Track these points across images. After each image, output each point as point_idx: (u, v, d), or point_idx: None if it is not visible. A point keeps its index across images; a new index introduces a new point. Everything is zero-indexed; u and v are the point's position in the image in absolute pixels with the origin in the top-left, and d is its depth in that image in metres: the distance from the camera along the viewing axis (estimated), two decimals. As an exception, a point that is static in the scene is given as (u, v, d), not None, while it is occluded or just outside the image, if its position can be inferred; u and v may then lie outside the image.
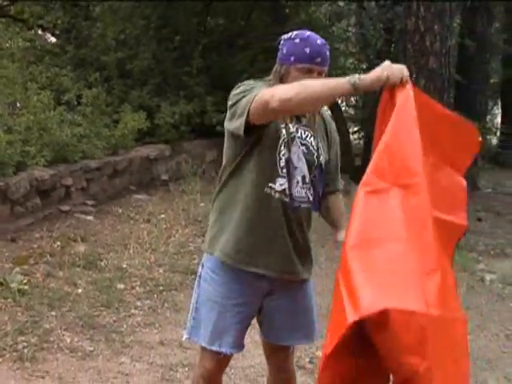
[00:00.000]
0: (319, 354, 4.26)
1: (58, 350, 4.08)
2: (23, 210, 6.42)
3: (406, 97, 2.23)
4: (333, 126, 2.82)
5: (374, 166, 2.18)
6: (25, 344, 4.07)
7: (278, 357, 2.85)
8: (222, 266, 2.65)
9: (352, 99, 15.20)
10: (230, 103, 2.55)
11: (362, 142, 13.74)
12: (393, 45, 11.81)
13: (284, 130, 2.57)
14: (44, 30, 12.73)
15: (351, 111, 15.11)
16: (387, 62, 2.27)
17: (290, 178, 2.57)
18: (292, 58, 2.54)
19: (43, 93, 7.77)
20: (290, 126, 2.60)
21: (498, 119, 17.54)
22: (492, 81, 15.79)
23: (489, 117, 16.66)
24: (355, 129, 14.07)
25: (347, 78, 2.26)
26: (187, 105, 9.89)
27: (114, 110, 9.24)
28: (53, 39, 12.72)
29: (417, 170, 2.16)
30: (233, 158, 2.62)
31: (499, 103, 17.76)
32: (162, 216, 7.44)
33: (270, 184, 2.57)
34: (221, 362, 2.72)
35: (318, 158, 2.65)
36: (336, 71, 13.14)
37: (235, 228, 2.60)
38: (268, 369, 2.98)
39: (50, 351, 4.06)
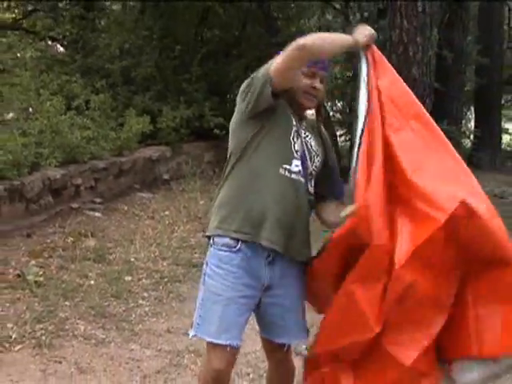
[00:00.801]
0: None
1: (73, 338, 4.08)
2: (37, 207, 6.40)
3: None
4: (326, 134, 2.81)
5: (386, 110, 2.47)
6: (42, 332, 4.06)
7: (277, 353, 2.73)
8: (230, 253, 2.53)
9: (339, 104, 15.24)
10: (241, 95, 2.59)
11: (348, 144, 13.73)
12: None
13: (294, 121, 2.62)
14: (54, 40, 12.70)
15: (338, 116, 15.10)
16: (364, 26, 2.59)
17: (304, 160, 2.60)
18: None
19: (55, 98, 7.75)
20: (294, 119, 2.63)
21: (472, 124, 17.58)
22: (466, 88, 15.84)
23: (463, 121, 16.70)
24: (341, 132, 14.06)
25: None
26: (187, 109, 9.87)
27: (119, 115, 9.21)
28: (61, 49, 12.69)
29: (415, 101, 2.61)
30: (241, 143, 2.59)
31: (472, 109, 17.79)
32: (165, 213, 7.43)
33: (285, 165, 2.55)
34: (229, 358, 2.55)
35: (315, 157, 2.67)
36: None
37: (250, 208, 2.52)
38: (268, 364, 2.89)
39: (66, 338, 4.05)
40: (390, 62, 8.58)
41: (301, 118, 2.68)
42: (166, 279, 5.35)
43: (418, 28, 7.55)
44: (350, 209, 2.36)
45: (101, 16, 12.13)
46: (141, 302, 4.83)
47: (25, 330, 4.05)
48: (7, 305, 4.45)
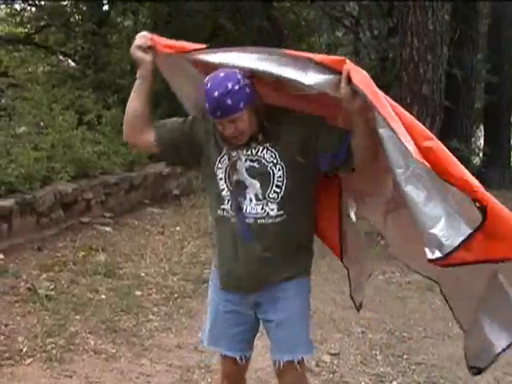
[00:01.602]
0: (325, 358, 4.28)
1: (83, 352, 4.09)
2: (48, 221, 6.44)
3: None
4: (286, 118, 2.51)
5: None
6: (53, 345, 4.08)
7: (282, 378, 2.64)
8: (217, 275, 2.68)
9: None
10: None
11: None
12: (386, 72, 11.86)
13: (223, 159, 2.51)
14: (65, 56, 12.84)
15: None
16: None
17: (236, 198, 2.47)
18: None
19: (67, 113, 7.81)
20: (230, 152, 2.49)
21: (481, 141, 17.58)
22: (476, 106, 15.86)
23: (473, 139, 16.71)
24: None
25: None
26: (197, 125, 9.92)
27: (129, 130, 9.26)
28: (73, 64, 12.82)
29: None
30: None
31: (481, 127, 17.80)
32: (175, 228, 7.46)
33: (222, 206, 2.51)
34: (227, 366, 2.72)
35: (276, 164, 2.45)
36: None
37: (215, 252, 2.67)
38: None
39: (76, 352, 4.07)
40: (400, 79, 8.64)
41: (244, 144, 2.48)
42: (175, 295, 5.36)
43: (428, 46, 7.58)
44: None
45: (112, 32, 12.25)
46: (151, 316, 4.84)
47: (35, 344, 4.07)
48: (18, 318, 4.47)
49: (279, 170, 2.45)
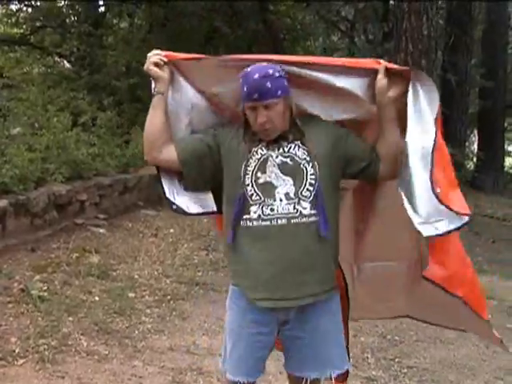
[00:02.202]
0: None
1: (75, 353, 4.09)
2: (42, 222, 6.44)
3: None
4: (315, 121, 2.48)
5: None
6: (45, 347, 4.08)
7: None
8: (240, 295, 2.48)
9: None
10: None
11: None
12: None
13: (253, 157, 2.40)
14: (61, 56, 12.85)
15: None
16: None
17: (266, 200, 2.36)
18: (242, 98, 2.37)
19: (61, 115, 7.82)
20: (263, 148, 2.40)
21: (475, 146, 17.67)
22: (470, 111, 15.94)
23: (467, 144, 16.79)
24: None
25: None
26: (192, 128, 9.93)
27: (124, 132, 9.30)
28: (68, 65, 12.83)
29: None
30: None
31: (475, 132, 17.90)
32: (169, 231, 7.46)
33: (247, 216, 2.38)
34: None
35: (309, 162, 2.38)
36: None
37: (235, 270, 2.50)
38: None
39: (69, 354, 4.07)
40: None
41: (274, 142, 2.41)
42: (168, 297, 5.37)
43: (422, 51, 7.63)
44: None
45: (108, 33, 12.28)
46: (144, 318, 4.84)
47: (28, 345, 4.07)
48: (11, 319, 4.47)
49: (312, 167, 2.38)
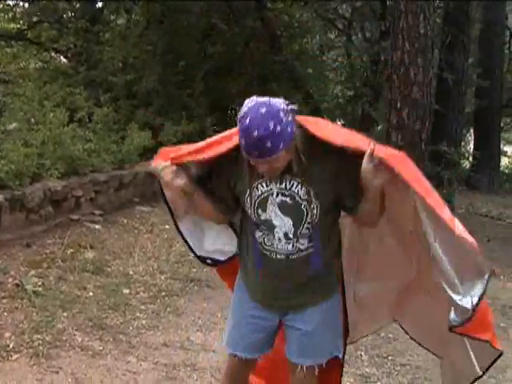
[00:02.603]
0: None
1: (70, 348, 4.09)
2: (37, 217, 6.44)
3: None
4: (320, 153, 2.32)
5: None
6: (40, 342, 4.08)
7: (296, 376, 2.61)
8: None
9: (339, 123, 15.32)
10: None
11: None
12: (378, 75, 11.92)
13: (253, 193, 2.38)
14: (57, 52, 12.82)
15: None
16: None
17: (267, 234, 2.41)
18: (241, 147, 2.22)
19: (58, 110, 7.80)
20: (264, 185, 2.36)
21: (471, 145, 17.67)
22: (466, 110, 15.93)
23: (463, 143, 16.78)
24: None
25: None
26: (188, 124, 9.94)
27: (121, 128, 9.28)
28: (64, 61, 12.80)
29: None
30: None
31: (472, 131, 17.91)
32: (164, 227, 7.45)
33: (254, 236, 2.47)
34: (234, 367, 2.68)
35: (310, 203, 2.34)
36: (325, 97, 13.30)
37: (243, 270, 2.64)
38: None
39: (63, 349, 4.07)
40: (390, 82, 8.66)
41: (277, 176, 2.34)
42: (163, 293, 5.37)
43: (419, 50, 7.63)
44: None
45: (105, 29, 12.25)
46: (138, 314, 4.84)
47: (22, 340, 4.08)
48: (5, 314, 4.47)
49: (313, 208, 2.33)
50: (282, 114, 2.14)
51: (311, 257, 2.43)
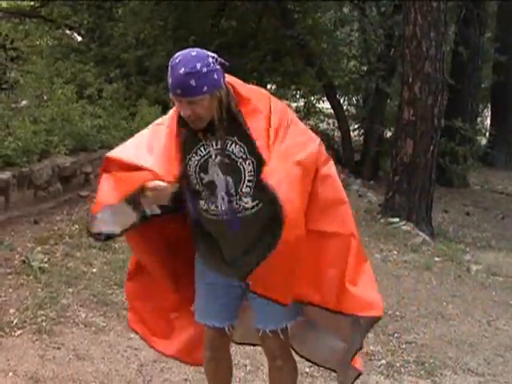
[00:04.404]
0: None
1: (73, 325, 4.09)
2: (45, 194, 6.43)
3: None
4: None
5: None
6: (43, 318, 4.09)
7: (265, 344, 2.68)
8: None
9: (353, 99, 15.16)
10: None
11: (361, 138, 13.69)
12: (392, 49, 11.73)
13: (193, 158, 2.43)
14: (71, 29, 12.74)
15: (353, 110, 15.04)
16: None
17: (210, 197, 2.44)
18: (169, 85, 2.31)
19: (67, 87, 7.75)
20: (202, 149, 2.42)
21: (488, 121, 17.43)
22: (483, 85, 15.68)
23: (479, 119, 16.55)
24: (356, 126, 14.01)
25: None
26: (199, 100, 9.84)
27: (131, 104, 9.22)
28: (79, 38, 12.74)
29: None
30: None
31: (489, 106, 17.65)
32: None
33: (200, 203, 2.48)
34: (222, 336, 2.70)
35: (245, 159, 2.38)
36: (339, 73, 13.13)
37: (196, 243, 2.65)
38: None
39: (67, 325, 4.07)
40: (403, 57, 8.56)
41: (212, 131, 2.39)
42: (170, 269, 5.34)
43: (431, 23, 7.47)
44: None
45: (118, 5, 12.15)
46: (144, 291, 4.82)
47: (26, 316, 4.08)
48: (10, 290, 4.47)
49: (249, 164, 2.38)
50: (210, 60, 2.28)
51: (260, 214, 2.42)
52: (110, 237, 2.49)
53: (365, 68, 13.27)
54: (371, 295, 2.45)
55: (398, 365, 4.04)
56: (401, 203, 7.87)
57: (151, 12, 11.13)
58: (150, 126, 2.54)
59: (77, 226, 5.98)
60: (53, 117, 7.07)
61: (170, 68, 2.28)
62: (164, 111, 9.17)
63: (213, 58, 2.30)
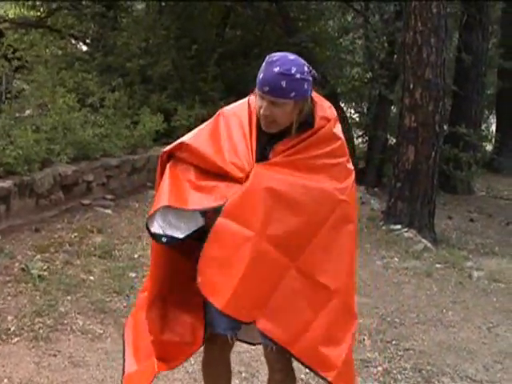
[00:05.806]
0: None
1: (70, 332, 4.10)
2: (47, 202, 6.46)
3: None
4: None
5: None
6: (41, 325, 4.10)
7: (268, 356, 2.62)
8: None
9: (357, 106, 15.17)
10: None
11: (365, 145, 13.70)
12: (395, 56, 11.74)
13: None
14: (76, 38, 12.83)
15: (356, 117, 15.06)
16: None
17: None
18: (257, 80, 2.29)
19: (69, 96, 7.79)
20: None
21: (494, 127, 17.37)
22: (488, 92, 15.65)
23: (485, 125, 16.50)
24: (359, 133, 14.02)
25: None
26: (202, 109, 9.88)
27: (134, 113, 9.26)
28: (84, 48, 12.81)
29: None
30: None
31: (494, 113, 17.61)
32: (176, 211, 7.43)
33: None
34: (223, 344, 2.66)
35: None
36: (342, 80, 13.15)
37: None
38: None
39: (64, 332, 4.08)
40: (403, 63, 8.54)
41: (278, 139, 2.34)
42: (169, 277, 5.35)
43: (432, 30, 7.46)
44: None
45: (122, 15, 12.23)
46: (142, 298, 4.82)
47: (24, 323, 4.09)
48: (9, 298, 4.49)
49: None
50: (305, 68, 2.27)
51: None
52: (170, 241, 2.35)
53: (368, 75, 13.28)
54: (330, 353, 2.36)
55: (394, 372, 4.02)
56: (403, 210, 7.85)
57: (154, 21, 11.19)
58: (219, 120, 2.49)
59: (77, 234, 6.01)
60: (54, 125, 7.11)
61: (264, 64, 2.26)
62: (166, 119, 9.22)
63: (308, 67, 2.28)
